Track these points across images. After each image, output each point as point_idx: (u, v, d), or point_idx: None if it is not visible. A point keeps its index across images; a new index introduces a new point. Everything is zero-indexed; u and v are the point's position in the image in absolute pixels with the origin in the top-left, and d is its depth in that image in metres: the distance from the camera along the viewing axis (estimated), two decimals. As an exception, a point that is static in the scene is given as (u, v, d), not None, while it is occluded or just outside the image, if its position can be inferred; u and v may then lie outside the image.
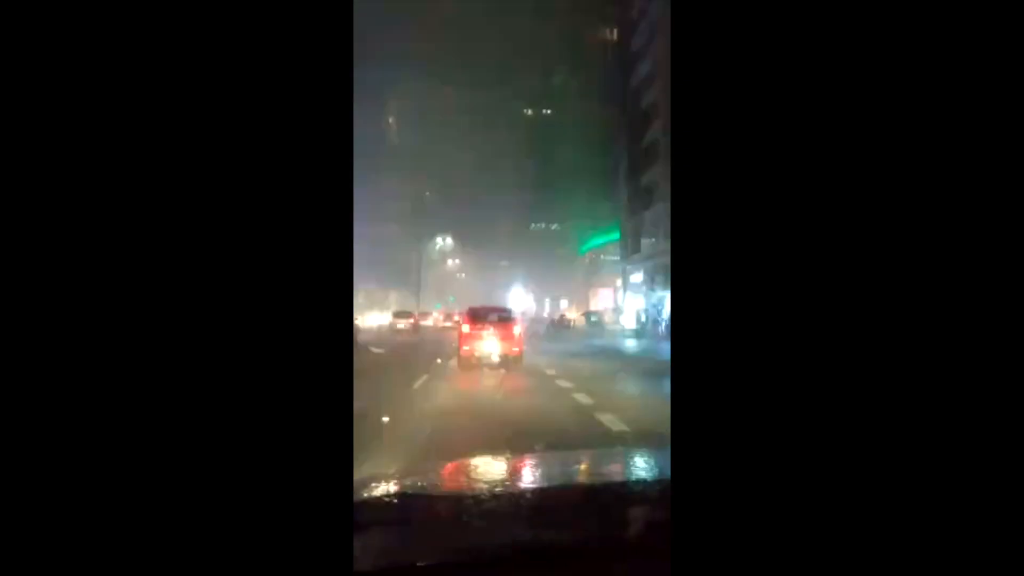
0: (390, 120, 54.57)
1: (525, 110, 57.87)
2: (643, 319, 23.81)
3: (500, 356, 11.21)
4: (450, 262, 53.80)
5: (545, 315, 37.47)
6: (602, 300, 35.90)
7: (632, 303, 26.78)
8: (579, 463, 1.58)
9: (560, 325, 24.17)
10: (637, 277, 27.62)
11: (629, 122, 29.35)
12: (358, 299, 31.75)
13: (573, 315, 28.91)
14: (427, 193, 50.26)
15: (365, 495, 1.07)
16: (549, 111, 55.19)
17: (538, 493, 1.22)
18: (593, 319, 26.31)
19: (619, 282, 31.39)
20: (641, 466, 1.45)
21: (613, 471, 1.48)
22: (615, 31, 39.58)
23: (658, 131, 24.85)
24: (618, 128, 32.35)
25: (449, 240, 53.34)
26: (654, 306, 23.48)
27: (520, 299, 46.60)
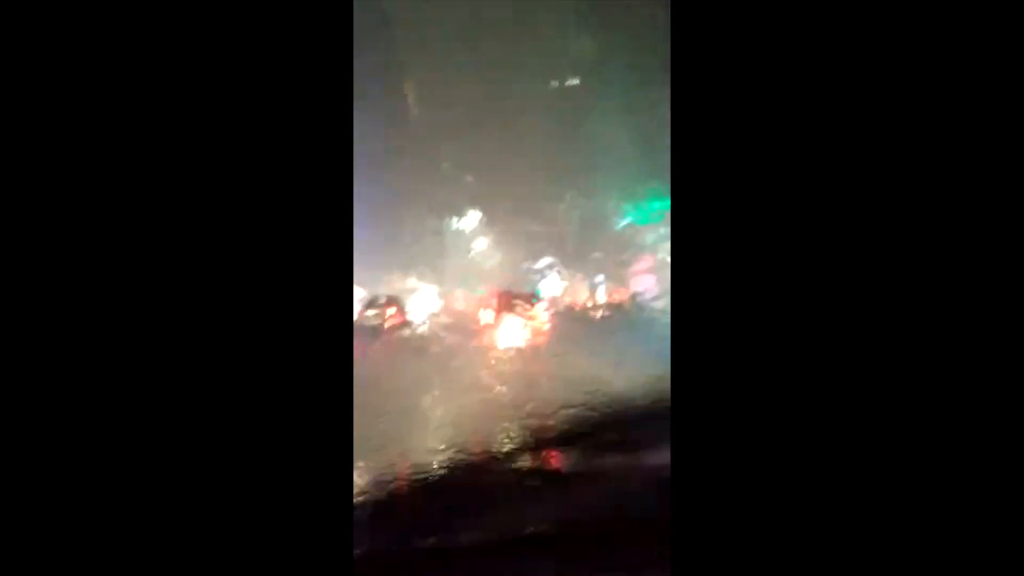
0: (408, 96, 49.86)
1: (552, 82, 53.11)
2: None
3: (524, 344, 10.18)
4: (476, 243, 48.85)
5: (582, 300, 32.20)
6: (643, 280, 30.63)
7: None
8: (580, 455, 1.47)
9: (609, 311, 19.01)
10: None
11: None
12: (383, 286, 27.27)
13: (618, 297, 23.75)
14: (445, 165, 45.30)
15: (365, 488, 0.99)
16: (576, 80, 50.31)
17: (538, 485, 1.06)
18: (640, 301, 21.05)
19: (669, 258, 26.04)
20: (643, 456, 1.48)
21: (615, 461, 1.49)
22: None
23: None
24: (659, 87, 27.06)
25: (475, 218, 48.41)
26: None
27: (552, 281, 41.88)
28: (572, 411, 5.29)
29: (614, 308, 20.71)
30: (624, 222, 35.84)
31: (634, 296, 22.60)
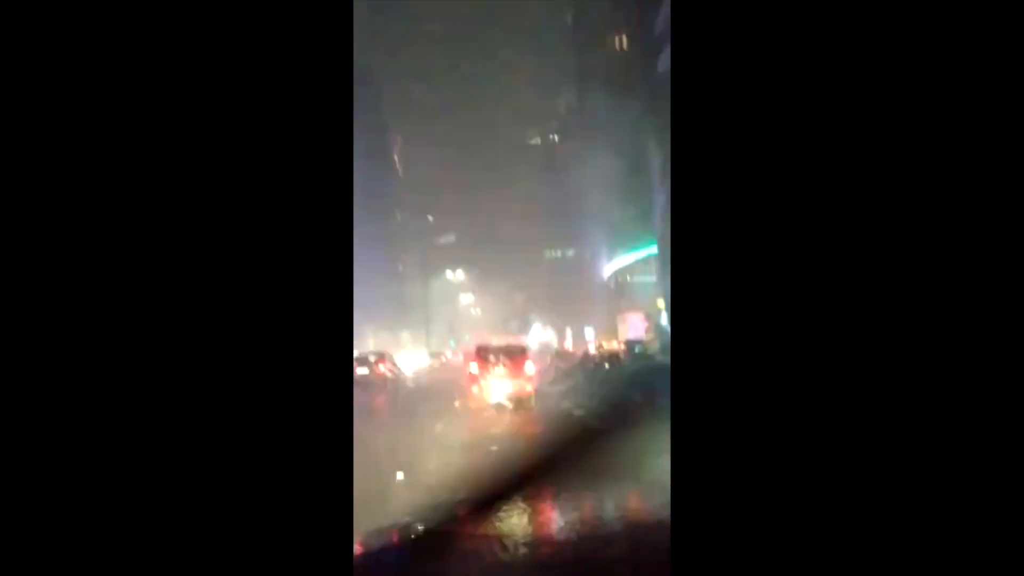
0: (395, 157, 50.31)
1: (533, 139, 53.92)
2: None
3: (511, 398, 9.83)
4: (462, 297, 48.54)
5: (569, 347, 31.62)
6: (632, 327, 30.19)
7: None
8: (578, 514, 1.51)
9: (603, 362, 18.40)
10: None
11: (663, 114, 24.15)
12: (371, 343, 26.71)
13: (613, 345, 23.14)
14: (430, 218, 45.55)
15: (366, 545, 1.05)
16: (557, 137, 51.06)
17: (541, 540, 1.20)
18: (638, 350, 20.48)
19: (660, 302, 25.71)
20: (646, 509, 1.40)
21: (617, 515, 1.47)
22: (623, 38, 35.17)
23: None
24: (643, 134, 27.32)
25: (460, 274, 48.20)
26: None
27: (539, 332, 41.44)
28: (566, 468, 4.86)
29: (605, 357, 20.17)
30: (612, 269, 35.70)
31: (634, 344, 22.08)
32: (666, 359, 20.12)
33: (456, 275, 48.37)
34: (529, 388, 10.38)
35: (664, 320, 25.06)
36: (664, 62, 23.87)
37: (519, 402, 9.82)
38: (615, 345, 22.59)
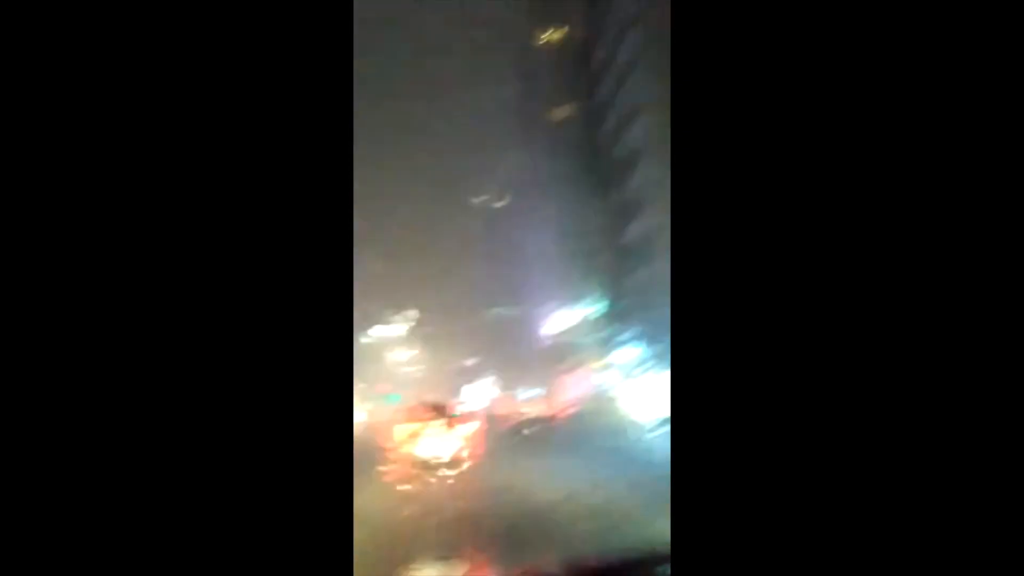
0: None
1: (473, 199, 54.46)
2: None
3: (446, 463, 9.07)
4: (400, 354, 47.25)
5: (513, 407, 30.91)
6: (575, 386, 29.84)
7: (644, 385, 20.46)
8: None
9: (544, 423, 17.81)
10: (632, 352, 21.81)
11: (605, 176, 24.66)
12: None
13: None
14: (377, 266, 44.57)
15: None
16: (501, 201, 51.72)
17: None
18: (580, 409, 20.08)
19: (603, 362, 25.51)
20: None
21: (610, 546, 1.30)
22: (567, 105, 36.32)
23: (645, 176, 19.93)
24: (587, 192, 27.80)
25: (398, 328, 47.08)
26: None
27: (482, 391, 40.61)
28: (503, 540, 4.33)
29: (546, 420, 19.64)
30: (556, 328, 35.53)
31: (569, 405, 21.68)
32: (606, 419, 19.79)
33: (394, 330, 47.28)
34: (464, 453, 9.76)
35: (603, 380, 24.87)
36: (613, 119, 24.61)
37: (454, 468, 9.19)
38: (556, 406, 22.12)
